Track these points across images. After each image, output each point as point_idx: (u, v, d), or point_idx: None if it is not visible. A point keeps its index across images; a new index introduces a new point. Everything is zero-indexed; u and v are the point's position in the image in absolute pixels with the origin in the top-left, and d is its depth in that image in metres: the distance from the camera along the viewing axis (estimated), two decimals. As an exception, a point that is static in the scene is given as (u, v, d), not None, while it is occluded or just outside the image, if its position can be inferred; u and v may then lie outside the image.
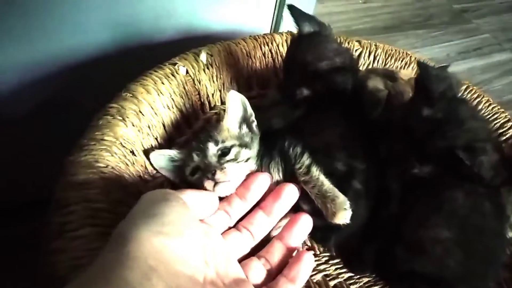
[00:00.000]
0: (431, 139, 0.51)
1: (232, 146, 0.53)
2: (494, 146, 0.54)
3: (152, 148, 0.61)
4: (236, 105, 0.56)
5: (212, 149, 0.52)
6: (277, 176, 0.53)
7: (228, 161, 0.51)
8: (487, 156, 0.50)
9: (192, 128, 0.69)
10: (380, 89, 0.58)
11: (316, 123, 0.60)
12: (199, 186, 0.50)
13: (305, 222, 0.48)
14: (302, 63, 0.61)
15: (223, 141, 0.53)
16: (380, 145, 0.57)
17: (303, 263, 0.44)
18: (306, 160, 0.53)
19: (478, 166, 0.49)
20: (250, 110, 0.57)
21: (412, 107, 0.53)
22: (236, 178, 0.50)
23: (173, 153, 0.56)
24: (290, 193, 0.49)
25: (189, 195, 0.41)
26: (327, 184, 0.51)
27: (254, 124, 0.58)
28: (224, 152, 0.52)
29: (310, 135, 0.58)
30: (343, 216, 0.49)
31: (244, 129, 0.57)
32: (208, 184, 0.49)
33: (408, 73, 0.68)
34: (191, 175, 0.53)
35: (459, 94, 0.55)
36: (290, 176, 0.53)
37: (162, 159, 0.57)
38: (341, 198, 0.50)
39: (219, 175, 0.49)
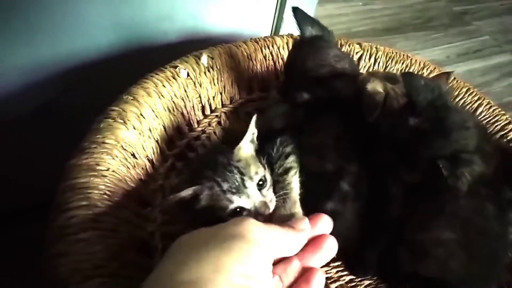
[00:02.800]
0: (417, 148, 0.51)
1: (264, 175, 0.51)
2: (487, 154, 0.53)
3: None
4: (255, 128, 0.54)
5: (252, 187, 0.49)
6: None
7: (268, 189, 0.51)
8: (469, 168, 0.49)
9: (193, 131, 0.69)
10: (378, 92, 0.58)
11: (313, 125, 0.60)
12: None
13: (331, 247, 0.44)
14: (303, 69, 0.61)
15: (256, 173, 0.50)
16: (373, 152, 0.57)
17: (312, 286, 0.42)
18: (290, 163, 0.54)
19: (456, 178, 0.48)
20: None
21: (400, 117, 0.53)
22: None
23: (184, 194, 0.50)
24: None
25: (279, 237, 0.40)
26: (294, 194, 0.52)
27: (255, 136, 0.56)
28: (261, 183, 0.51)
29: (306, 136, 0.58)
30: None
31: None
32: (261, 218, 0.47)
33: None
34: (232, 215, 0.49)
35: (450, 101, 0.55)
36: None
37: (171, 201, 0.51)
38: (299, 211, 0.50)
39: (272, 207, 0.49)
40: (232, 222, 0.39)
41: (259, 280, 0.35)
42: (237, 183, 0.49)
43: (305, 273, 0.43)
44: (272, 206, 0.49)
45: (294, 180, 0.53)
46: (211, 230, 0.39)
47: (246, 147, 0.53)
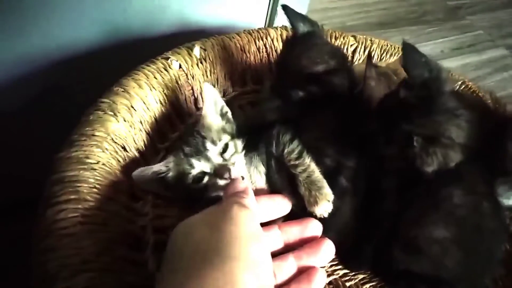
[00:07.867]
0: (398, 121, 0.50)
1: (229, 141, 0.53)
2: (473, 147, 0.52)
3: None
4: (213, 97, 0.57)
5: (213, 150, 0.51)
6: (262, 168, 0.54)
7: (232, 154, 0.52)
8: (444, 150, 0.48)
9: (185, 124, 0.68)
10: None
11: (309, 120, 0.59)
12: (207, 191, 0.50)
13: (328, 250, 0.46)
14: (297, 67, 0.60)
15: (219, 139, 0.52)
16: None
17: (313, 284, 0.42)
18: (297, 146, 0.53)
19: (426, 155, 0.48)
20: (221, 102, 0.58)
21: (395, 89, 0.53)
22: (242, 169, 0.51)
23: (157, 167, 0.53)
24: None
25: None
26: (317, 172, 0.51)
27: (229, 114, 0.58)
28: (224, 149, 0.52)
29: (303, 132, 0.57)
30: (324, 208, 0.49)
31: (224, 120, 0.57)
32: (224, 183, 0.49)
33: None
34: (196, 182, 0.51)
35: (448, 88, 0.53)
36: (276, 167, 0.53)
37: (146, 176, 0.53)
38: (328, 189, 0.50)
39: (234, 172, 0.48)
40: (231, 219, 0.39)
41: (265, 276, 0.37)
42: (198, 146, 0.51)
43: (307, 271, 0.43)
44: (235, 171, 0.49)
45: (311, 161, 0.53)
46: (214, 233, 0.38)
47: (212, 117, 0.55)
